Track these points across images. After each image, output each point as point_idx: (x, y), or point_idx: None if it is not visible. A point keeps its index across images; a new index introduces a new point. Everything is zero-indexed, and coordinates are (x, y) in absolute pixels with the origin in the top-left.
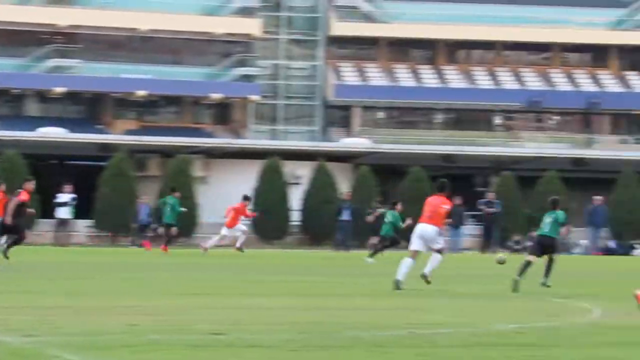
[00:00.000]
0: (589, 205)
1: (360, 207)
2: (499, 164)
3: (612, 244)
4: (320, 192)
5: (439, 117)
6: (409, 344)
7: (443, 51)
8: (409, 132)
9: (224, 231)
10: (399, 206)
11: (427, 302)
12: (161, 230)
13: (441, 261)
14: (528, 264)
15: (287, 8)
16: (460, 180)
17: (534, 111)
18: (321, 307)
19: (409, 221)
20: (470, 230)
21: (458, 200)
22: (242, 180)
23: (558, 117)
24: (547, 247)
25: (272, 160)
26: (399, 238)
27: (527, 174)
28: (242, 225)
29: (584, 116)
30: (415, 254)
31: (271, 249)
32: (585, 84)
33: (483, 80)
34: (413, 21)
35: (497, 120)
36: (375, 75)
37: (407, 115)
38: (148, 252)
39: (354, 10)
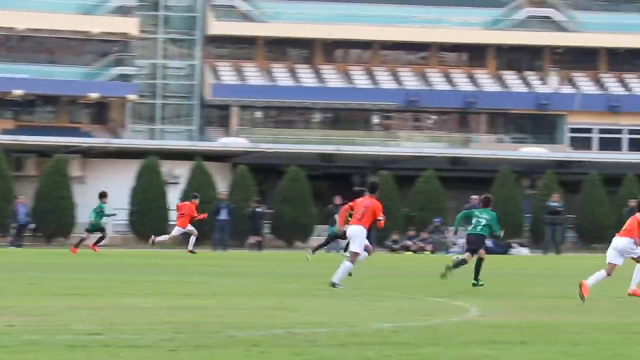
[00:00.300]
0: (467, 204)
1: (238, 207)
2: (377, 164)
3: (490, 243)
4: (199, 191)
5: (317, 117)
6: (287, 343)
7: (321, 51)
8: (287, 132)
9: (176, 232)
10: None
11: (306, 302)
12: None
13: (349, 269)
14: (463, 262)
15: (164, 7)
16: (339, 179)
17: (412, 111)
18: (200, 307)
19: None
20: None
21: (338, 200)
22: (120, 180)
23: (436, 117)
24: (477, 245)
25: (150, 160)
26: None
27: (405, 174)
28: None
29: (462, 116)
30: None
31: (149, 249)
32: (463, 83)
33: (361, 79)
34: (291, 21)
35: (375, 119)
36: (253, 75)
37: (285, 114)
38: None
39: (232, 9)
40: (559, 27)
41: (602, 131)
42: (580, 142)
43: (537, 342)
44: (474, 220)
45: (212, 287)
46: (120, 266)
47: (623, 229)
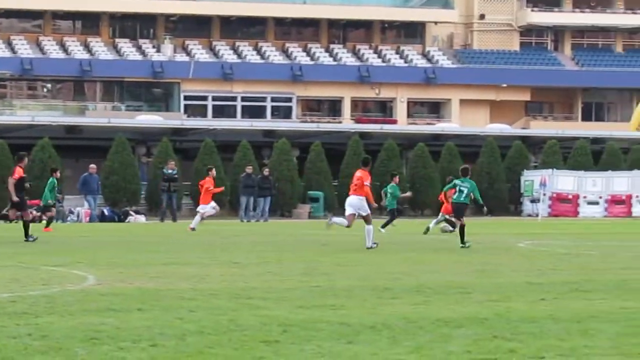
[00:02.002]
0: (85, 173)
1: None
2: None
3: (107, 211)
4: None
5: None
6: None
7: None
8: None
9: (200, 208)
10: (396, 179)
11: None
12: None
13: (372, 230)
14: (453, 224)
15: None
16: None
17: (26, 79)
18: None
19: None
20: None
21: None
22: None
23: (50, 85)
24: (462, 211)
25: None
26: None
27: (20, 142)
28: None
29: (77, 84)
30: (350, 217)
31: None
32: (78, 51)
33: None
34: None
35: None
36: None
37: None
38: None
39: None
40: None
41: (216, 98)
42: (195, 110)
43: (154, 309)
44: (457, 189)
45: None
46: None
47: None
